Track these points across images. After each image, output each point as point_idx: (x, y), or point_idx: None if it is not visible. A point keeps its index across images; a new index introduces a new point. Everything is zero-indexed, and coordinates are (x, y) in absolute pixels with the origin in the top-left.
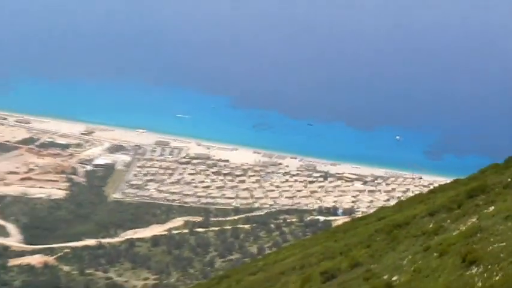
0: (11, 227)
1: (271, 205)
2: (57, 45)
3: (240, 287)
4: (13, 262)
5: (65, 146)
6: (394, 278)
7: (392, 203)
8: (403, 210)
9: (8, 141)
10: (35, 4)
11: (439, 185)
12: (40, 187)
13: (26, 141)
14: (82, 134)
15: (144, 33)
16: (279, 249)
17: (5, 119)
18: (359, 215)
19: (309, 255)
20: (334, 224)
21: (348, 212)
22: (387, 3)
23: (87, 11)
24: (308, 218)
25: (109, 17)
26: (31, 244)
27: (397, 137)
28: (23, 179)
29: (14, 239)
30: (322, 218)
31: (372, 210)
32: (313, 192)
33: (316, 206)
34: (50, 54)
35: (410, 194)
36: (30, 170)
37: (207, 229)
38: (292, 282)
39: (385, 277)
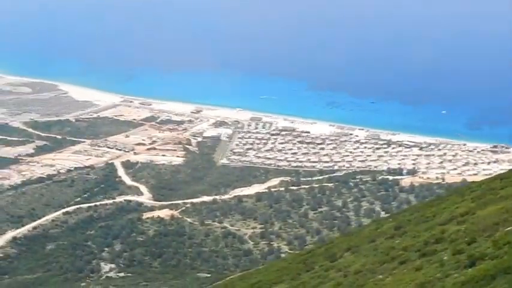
0: (142, 188)
1: (347, 167)
2: (170, 41)
3: (450, 236)
4: (146, 215)
5: (180, 122)
6: None
7: (445, 165)
8: None
9: (135, 119)
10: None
11: None
12: (162, 155)
13: (148, 119)
14: (192, 112)
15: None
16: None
17: (131, 102)
18: (420, 174)
19: (503, 211)
20: (401, 181)
21: (411, 172)
22: None
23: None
24: (379, 177)
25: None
26: (159, 201)
27: (443, 112)
28: (148, 149)
29: (145, 197)
30: (390, 177)
31: (430, 171)
32: (380, 156)
33: (384, 168)
34: (165, 49)
35: (459, 157)
36: (154, 141)
37: (298, 187)
38: None
39: None
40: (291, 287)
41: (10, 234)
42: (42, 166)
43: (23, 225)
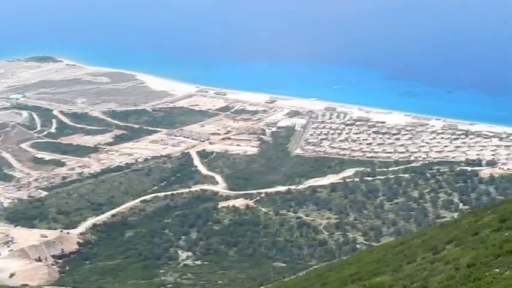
0: (218, 177)
1: (424, 158)
2: (245, 31)
3: None
4: (222, 204)
5: (254, 112)
6: None
7: None
8: None
9: (209, 109)
10: None
11: None
12: (237, 145)
13: (223, 109)
14: (266, 102)
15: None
16: None
17: (206, 92)
18: (500, 165)
19: None
20: (480, 173)
21: (491, 163)
22: None
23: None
24: (457, 168)
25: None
26: (234, 190)
27: None
28: (223, 139)
29: (220, 186)
30: (469, 168)
31: (510, 162)
32: (457, 147)
33: (462, 159)
34: (240, 39)
35: None
36: (228, 131)
37: (374, 177)
38: None
39: None
40: (397, 279)
41: (91, 221)
42: (120, 155)
43: (102, 213)
